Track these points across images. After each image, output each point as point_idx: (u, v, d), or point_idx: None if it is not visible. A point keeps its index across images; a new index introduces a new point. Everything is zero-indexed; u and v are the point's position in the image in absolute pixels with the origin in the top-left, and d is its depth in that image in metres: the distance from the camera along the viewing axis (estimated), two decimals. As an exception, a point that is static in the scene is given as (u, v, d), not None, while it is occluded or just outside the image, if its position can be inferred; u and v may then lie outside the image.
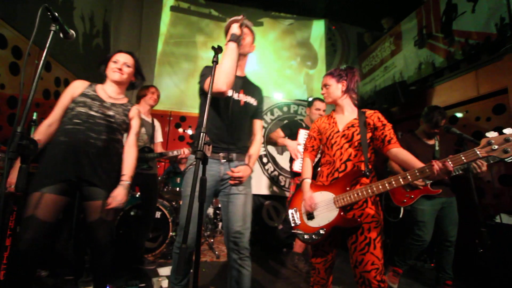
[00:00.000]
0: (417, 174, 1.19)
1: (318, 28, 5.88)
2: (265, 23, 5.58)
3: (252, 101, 1.58)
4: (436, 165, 1.14)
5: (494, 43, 2.84)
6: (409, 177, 1.21)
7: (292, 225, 1.57)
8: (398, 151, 1.36)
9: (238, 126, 1.51)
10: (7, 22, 2.22)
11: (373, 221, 1.35)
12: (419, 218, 2.27)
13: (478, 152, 1.09)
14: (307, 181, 1.55)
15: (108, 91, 1.59)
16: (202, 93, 1.49)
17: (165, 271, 2.26)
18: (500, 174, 2.71)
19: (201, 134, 0.95)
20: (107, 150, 1.49)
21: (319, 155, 1.69)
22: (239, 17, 1.39)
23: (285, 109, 4.03)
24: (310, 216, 1.49)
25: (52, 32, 1.06)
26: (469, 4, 3.17)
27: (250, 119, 1.60)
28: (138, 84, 1.75)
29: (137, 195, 2.71)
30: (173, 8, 5.12)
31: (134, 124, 1.65)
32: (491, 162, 1.88)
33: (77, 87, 1.53)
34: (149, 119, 2.51)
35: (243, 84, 1.57)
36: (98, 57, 3.97)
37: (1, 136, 2.15)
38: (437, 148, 2.33)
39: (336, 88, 1.56)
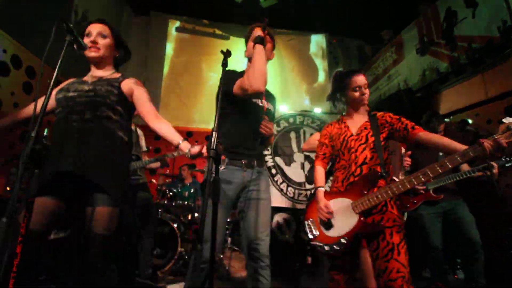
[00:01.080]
0: (459, 159, 1.13)
1: (319, 42, 6.01)
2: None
3: (271, 108, 1.59)
4: (486, 142, 1.08)
5: (498, 46, 2.85)
6: (448, 163, 1.14)
7: (310, 237, 1.50)
8: (430, 135, 1.30)
9: (260, 133, 1.46)
10: (21, 43, 2.30)
11: (395, 225, 1.28)
12: (421, 224, 2.26)
13: (501, 142, 1.06)
14: (321, 190, 1.50)
15: (93, 74, 1.35)
16: (226, 98, 1.35)
17: (175, 287, 2.17)
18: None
19: (213, 133, 0.94)
20: (93, 132, 1.20)
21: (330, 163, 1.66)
22: (263, 22, 1.38)
23: (291, 120, 4.04)
24: (328, 225, 1.42)
25: (66, 41, 1.07)
26: (469, 10, 3.22)
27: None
28: (122, 59, 1.45)
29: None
30: (178, 29, 5.31)
31: (139, 93, 1.33)
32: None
33: (63, 83, 1.33)
34: (132, 127, 2.43)
35: (264, 91, 1.55)
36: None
37: (12, 153, 2.17)
38: (441, 153, 2.26)
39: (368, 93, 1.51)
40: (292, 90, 5.63)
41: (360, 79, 1.45)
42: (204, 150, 1.22)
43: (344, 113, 1.62)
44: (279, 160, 3.79)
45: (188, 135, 4.85)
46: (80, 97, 1.23)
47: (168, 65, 5.14)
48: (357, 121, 1.51)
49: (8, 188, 1.55)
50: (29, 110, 1.34)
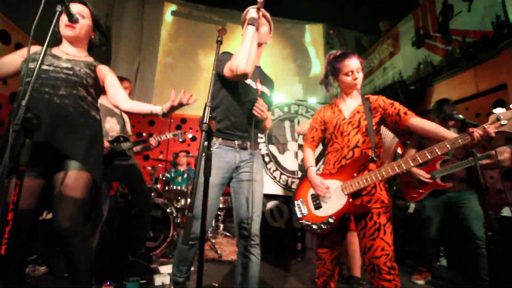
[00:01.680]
0: (448, 146, 1.14)
1: (316, 32, 5.97)
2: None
3: (267, 91, 1.57)
4: (476, 131, 1.10)
5: (491, 40, 2.89)
6: (437, 150, 1.16)
7: (299, 216, 1.54)
8: (421, 121, 1.30)
9: (254, 115, 1.47)
10: (11, 19, 2.23)
11: (382, 206, 1.33)
12: (422, 214, 2.31)
13: (486, 128, 1.09)
14: (313, 169, 1.53)
15: (64, 50, 1.33)
16: (219, 79, 1.42)
17: (167, 269, 2.20)
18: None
19: (206, 107, 0.94)
20: (68, 109, 1.21)
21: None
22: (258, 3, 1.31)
23: (285, 109, 4.04)
24: (317, 205, 1.47)
25: (57, 12, 1.05)
26: (465, 3, 3.24)
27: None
28: (98, 42, 1.45)
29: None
30: (174, 13, 5.19)
31: (112, 79, 1.38)
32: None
33: (25, 50, 1.27)
34: (117, 111, 2.38)
35: (260, 73, 1.57)
36: (99, 59, 3.99)
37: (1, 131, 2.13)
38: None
39: (362, 75, 1.48)
40: (288, 80, 5.62)
41: (353, 63, 1.44)
42: (176, 102, 1.27)
43: (337, 96, 1.63)
44: (273, 148, 3.82)
45: (182, 121, 4.83)
46: (56, 72, 1.23)
47: (163, 50, 5.05)
48: (350, 105, 1.53)
49: (17, 182, 1.52)
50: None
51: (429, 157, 1.17)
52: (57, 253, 2.09)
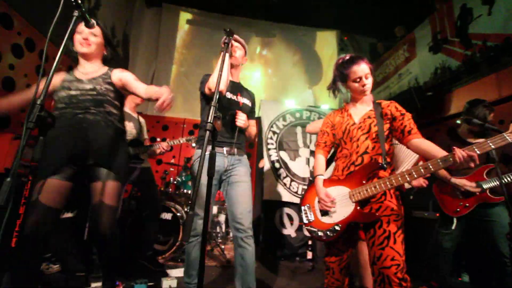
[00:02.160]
0: (439, 163, 1.13)
1: (330, 39, 5.94)
2: (278, 34, 5.71)
3: (248, 102, 1.83)
4: (458, 152, 1.07)
5: (515, 44, 2.76)
6: (431, 166, 1.15)
7: (305, 221, 1.51)
8: (420, 142, 1.27)
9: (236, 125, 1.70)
10: (36, 28, 2.37)
11: (392, 214, 1.27)
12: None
13: (507, 137, 1.03)
14: (320, 178, 1.49)
15: (83, 70, 1.49)
16: (203, 97, 1.76)
17: (175, 272, 2.21)
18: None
19: (211, 108, 0.96)
20: (98, 124, 1.39)
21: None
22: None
23: (297, 115, 4.01)
24: (324, 212, 1.43)
25: (74, 17, 1.11)
26: (485, 7, 3.12)
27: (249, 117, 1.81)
28: (110, 57, 1.60)
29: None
30: (189, 22, 5.35)
31: (124, 75, 1.48)
32: None
33: (56, 79, 1.46)
34: (135, 115, 2.49)
35: (239, 88, 1.84)
36: (118, 65, 4.17)
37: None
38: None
39: (372, 80, 1.44)
40: (300, 86, 5.60)
41: (361, 70, 1.39)
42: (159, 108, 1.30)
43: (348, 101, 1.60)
44: (283, 154, 3.78)
45: (194, 127, 4.90)
46: (83, 95, 1.41)
47: (178, 58, 5.19)
48: (361, 110, 1.49)
49: (29, 177, 1.61)
50: (25, 95, 1.43)
51: (442, 165, 1.11)
52: (70, 251, 2.16)
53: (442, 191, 2.19)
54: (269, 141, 3.78)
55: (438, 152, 1.17)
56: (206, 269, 2.56)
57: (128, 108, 2.43)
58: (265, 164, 3.68)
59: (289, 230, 3.49)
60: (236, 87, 1.80)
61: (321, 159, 1.56)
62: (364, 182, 1.32)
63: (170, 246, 2.77)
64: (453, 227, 2.06)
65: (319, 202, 1.43)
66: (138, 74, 4.80)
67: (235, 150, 1.70)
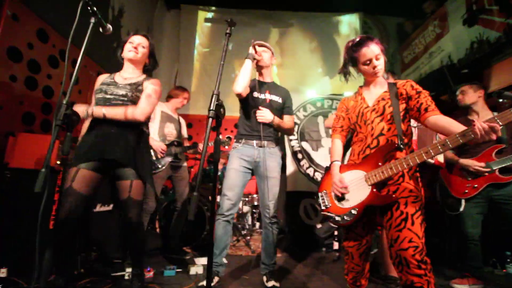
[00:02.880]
0: (458, 138, 1.04)
1: (351, 23, 5.68)
2: (295, 24, 5.59)
3: (277, 98, 2.00)
4: (478, 124, 0.98)
5: None
6: (449, 143, 1.07)
7: (323, 207, 1.49)
8: (438, 118, 1.19)
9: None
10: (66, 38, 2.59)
11: (411, 195, 1.21)
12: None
13: (495, 126, 0.93)
14: (336, 164, 1.47)
15: (125, 74, 1.66)
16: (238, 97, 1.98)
17: (202, 260, 2.32)
18: None
19: (213, 96, 1.00)
20: (126, 129, 1.54)
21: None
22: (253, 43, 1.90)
23: (318, 104, 3.92)
24: (341, 197, 1.40)
25: (91, 24, 1.21)
26: (529, -33, 2.76)
27: (279, 114, 1.99)
28: (151, 67, 1.78)
29: (170, 191, 2.88)
30: (207, 20, 5.46)
31: (146, 87, 1.62)
32: None
33: (99, 80, 1.66)
34: (175, 116, 2.64)
35: (269, 87, 2.02)
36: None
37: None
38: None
39: (383, 61, 1.37)
40: (321, 74, 5.45)
41: (370, 52, 1.32)
42: None
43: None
44: (305, 145, 3.73)
45: (217, 123, 5.03)
46: (116, 100, 1.56)
47: (198, 57, 5.34)
48: (375, 92, 1.43)
49: (58, 162, 1.79)
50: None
51: (461, 141, 1.03)
52: (108, 241, 2.36)
53: (450, 173, 2.15)
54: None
55: (457, 127, 1.08)
56: (232, 258, 2.66)
57: (170, 110, 2.61)
58: (287, 155, 3.66)
59: (314, 221, 3.46)
60: (265, 86, 1.99)
61: (338, 143, 1.53)
62: (380, 164, 1.27)
63: (197, 237, 2.90)
64: (461, 209, 2.02)
65: (332, 186, 1.41)
66: (162, 76, 5.05)
67: (265, 142, 1.92)
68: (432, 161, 1.83)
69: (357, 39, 1.41)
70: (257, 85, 1.97)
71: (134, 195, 1.54)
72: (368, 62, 1.35)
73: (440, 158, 1.89)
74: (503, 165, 1.88)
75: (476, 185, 1.98)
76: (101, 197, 2.22)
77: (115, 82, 1.61)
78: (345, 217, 1.34)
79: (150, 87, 1.64)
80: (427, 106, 1.24)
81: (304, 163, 3.62)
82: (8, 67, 2.06)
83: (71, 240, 1.45)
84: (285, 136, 3.74)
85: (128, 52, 1.63)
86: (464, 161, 2.04)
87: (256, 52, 1.88)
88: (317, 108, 3.91)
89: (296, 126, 3.80)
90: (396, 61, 5.32)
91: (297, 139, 3.74)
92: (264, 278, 1.90)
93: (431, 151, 1.11)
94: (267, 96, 1.96)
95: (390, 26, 5.77)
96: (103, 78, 1.66)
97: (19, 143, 1.86)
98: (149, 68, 1.77)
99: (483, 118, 2.03)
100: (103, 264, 2.13)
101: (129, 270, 1.97)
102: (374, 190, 1.26)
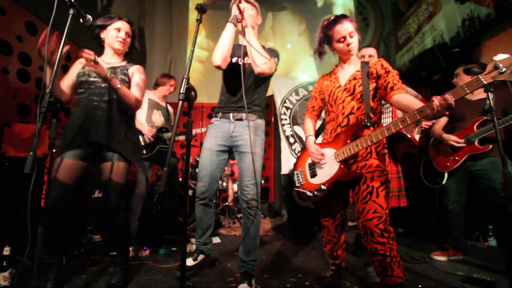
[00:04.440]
0: (416, 114, 1.11)
1: (346, 5, 5.58)
2: (288, 6, 5.51)
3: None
4: (436, 100, 1.05)
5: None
6: (408, 119, 1.13)
7: (297, 184, 1.58)
8: (401, 97, 1.25)
9: (247, 89, 1.64)
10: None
11: (377, 170, 1.29)
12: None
13: (482, 79, 0.98)
14: (311, 138, 1.55)
15: (105, 59, 1.63)
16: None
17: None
18: None
19: (183, 80, 1.06)
20: (111, 111, 1.52)
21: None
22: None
23: (310, 88, 3.95)
24: (313, 174, 1.49)
25: (70, 15, 1.26)
26: None
27: (261, 77, 1.65)
28: (129, 50, 1.75)
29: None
30: (198, 6, 5.39)
31: (135, 76, 1.62)
32: None
33: (80, 63, 1.60)
34: (163, 104, 2.68)
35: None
36: (136, 59, 4.44)
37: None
38: (488, 102, 2.03)
39: (357, 39, 1.40)
40: (314, 58, 5.42)
41: (344, 29, 1.36)
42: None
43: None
44: (298, 129, 3.80)
45: (213, 109, 5.08)
46: (100, 83, 1.54)
47: (191, 43, 5.32)
48: (348, 71, 1.48)
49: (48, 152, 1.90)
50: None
51: (418, 116, 1.09)
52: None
53: (436, 149, 2.24)
54: (283, 116, 3.81)
55: (417, 104, 1.14)
56: (227, 238, 2.80)
57: (157, 97, 2.65)
58: (281, 139, 3.74)
59: (308, 202, 3.58)
60: (242, 50, 1.62)
61: (309, 121, 1.61)
62: (348, 141, 1.35)
63: (193, 220, 3.04)
64: (444, 182, 2.11)
65: (310, 157, 1.49)
66: (156, 65, 5.06)
67: (243, 115, 1.62)
68: (408, 134, 1.89)
69: (332, 17, 1.44)
70: (236, 49, 1.69)
71: (115, 177, 1.50)
72: (342, 39, 1.39)
73: (416, 135, 1.96)
74: (480, 136, 1.95)
75: (456, 158, 2.06)
76: (99, 185, 2.34)
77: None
78: (316, 193, 1.43)
79: (137, 75, 1.65)
80: (393, 85, 1.29)
81: (296, 147, 3.70)
82: (-1, 61, 2.13)
83: (62, 225, 1.46)
84: (278, 121, 3.81)
85: (115, 41, 1.60)
86: (444, 136, 2.11)
87: (240, 12, 1.53)
88: (309, 92, 3.94)
89: (289, 111, 3.86)
90: (390, 41, 5.26)
91: (289, 124, 3.80)
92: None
93: (392, 128, 1.18)
94: (246, 60, 1.65)
95: (386, 6, 5.66)
96: (83, 62, 1.61)
97: (14, 133, 1.96)
98: (128, 51, 1.74)
99: (478, 95, 2.10)
100: (103, 246, 2.27)
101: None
102: (342, 166, 1.34)
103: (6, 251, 1.49)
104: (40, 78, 2.53)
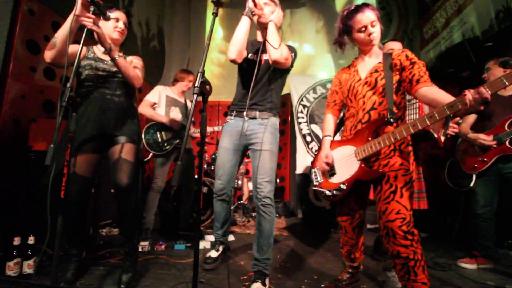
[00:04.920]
0: (446, 109, 1.02)
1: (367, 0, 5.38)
2: (307, 3, 5.41)
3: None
4: (469, 93, 0.95)
5: None
6: (436, 115, 1.05)
7: (315, 183, 1.53)
8: (428, 90, 1.15)
9: (261, 86, 1.65)
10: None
11: (401, 169, 1.21)
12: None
13: (484, 93, 0.89)
14: (327, 139, 1.49)
15: (104, 50, 1.53)
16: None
17: (211, 237, 2.46)
18: None
19: (198, 73, 1.05)
20: (122, 104, 1.55)
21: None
22: None
23: (328, 85, 3.84)
24: (332, 173, 1.43)
25: (91, 11, 1.30)
26: None
27: (278, 75, 1.67)
28: (125, 43, 1.73)
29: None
30: (216, 4, 5.42)
31: (132, 63, 1.62)
32: None
33: (86, 50, 1.57)
34: (181, 100, 2.68)
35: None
36: (156, 58, 4.53)
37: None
38: None
39: (380, 28, 1.32)
40: (334, 56, 5.28)
41: (365, 18, 1.28)
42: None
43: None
44: (315, 127, 3.71)
45: (229, 108, 5.10)
46: (109, 77, 1.55)
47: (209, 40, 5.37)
48: (369, 64, 1.39)
49: (68, 145, 1.97)
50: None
51: (448, 112, 1.00)
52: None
53: (463, 149, 2.11)
54: (299, 114, 3.74)
55: (447, 98, 1.05)
56: (242, 236, 2.78)
57: (176, 93, 2.67)
58: (297, 138, 3.67)
59: (324, 203, 3.48)
60: (259, 47, 1.65)
61: (330, 118, 1.54)
62: (370, 139, 1.27)
63: (208, 217, 3.05)
64: (471, 185, 1.98)
65: (318, 161, 1.46)
66: (175, 64, 5.14)
67: (257, 113, 1.64)
68: (435, 134, 1.78)
69: (352, 7, 1.37)
70: (251, 45, 1.69)
71: (125, 155, 1.50)
72: (363, 29, 1.31)
73: (442, 137, 1.84)
74: None
75: (485, 159, 1.92)
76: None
77: (100, 58, 1.57)
78: (335, 192, 1.37)
79: (135, 61, 1.66)
80: (420, 77, 1.20)
81: (313, 145, 3.62)
82: (28, 59, 2.23)
83: (82, 217, 1.53)
84: (295, 119, 3.74)
85: (113, 31, 1.56)
86: (471, 135, 1.98)
87: (255, 5, 1.51)
88: (327, 90, 3.84)
89: (306, 109, 3.78)
90: (415, 37, 5.01)
91: (306, 122, 3.72)
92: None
93: (418, 124, 1.10)
94: (263, 57, 1.64)
95: (410, 0, 5.40)
96: (83, 52, 1.57)
97: (40, 128, 2.05)
98: (123, 42, 1.70)
99: (510, 90, 1.95)
100: (122, 238, 2.33)
101: (143, 243, 2.15)
102: (363, 165, 1.28)
103: (31, 240, 1.55)
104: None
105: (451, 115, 1.02)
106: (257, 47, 1.67)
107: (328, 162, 1.38)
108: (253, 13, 1.52)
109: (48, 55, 1.39)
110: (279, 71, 1.67)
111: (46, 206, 1.06)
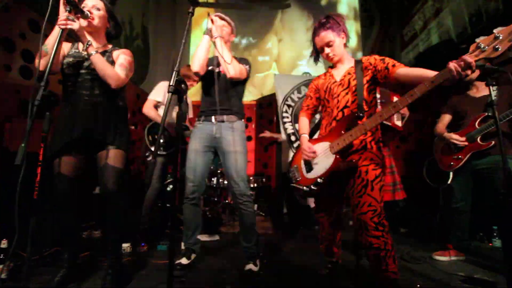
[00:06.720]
0: (427, 86, 1.03)
1: (350, 2, 5.52)
2: (293, 4, 5.48)
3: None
4: (452, 62, 0.98)
5: None
6: (417, 92, 1.06)
7: (294, 181, 1.56)
8: (409, 69, 1.20)
9: (224, 93, 1.79)
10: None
11: (371, 163, 1.27)
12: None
13: (467, 58, 0.96)
14: (305, 136, 1.55)
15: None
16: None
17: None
18: None
19: (174, 72, 1.06)
20: (102, 105, 1.47)
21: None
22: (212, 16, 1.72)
23: (312, 86, 3.93)
24: (309, 168, 1.47)
25: (66, 12, 1.27)
26: None
27: (233, 85, 1.81)
28: (114, 32, 1.62)
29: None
30: (202, 4, 5.41)
31: (119, 58, 1.52)
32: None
33: (62, 49, 1.47)
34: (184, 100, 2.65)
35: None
36: (140, 57, 4.47)
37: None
38: (494, 97, 1.97)
39: (340, 42, 1.42)
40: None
41: (320, 41, 1.42)
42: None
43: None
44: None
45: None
46: (88, 75, 1.46)
47: (194, 42, 5.35)
48: (342, 69, 1.47)
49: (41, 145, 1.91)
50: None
51: (409, 100, 1.06)
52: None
53: (440, 149, 2.20)
54: (284, 114, 3.79)
55: (432, 73, 1.06)
56: (224, 235, 2.79)
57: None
58: (282, 137, 3.72)
59: (309, 201, 3.54)
60: (218, 61, 1.81)
61: (304, 120, 1.60)
62: (342, 133, 1.32)
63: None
64: (449, 182, 2.07)
65: (302, 154, 1.49)
66: (161, 64, 5.07)
67: (224, 117, 1.76)
68: (388, 123, 1.86)
69: (316, 25, 1.47)
70: (214, 59, 1.84)
71: (111, 162, 1.46)
72: (320, 49, 1.44)
73: (397, 122, 1.93)
74: (482, 133, 1.91)
75: (460, 156, 2.02)
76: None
77: (81, 54, 1.48)
78: (312, 187, 1.41)
79: (122, 57, 1.54)
80: (394, 63, 1.27)
81: (298, 144, 3.67)
82: (1, 57, 2.16)
83: (71, 220, 1.48)
84: (280, 119, 3.78)
85: (82, 19, 1.39)
86: (445, 135, 2.08)
87: (213, 23, 1.70)
88: (311, 90, 3.91)
89: (290, 109, 3.83)
90: (396, 39, 5.17)
91: (291, 122, 3.77)
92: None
93: (384, 113, 1.15)
94: (220, 68, 1.81)
95: (391, 3, 5.57)
96: (66, 48, 1.50)
97: (16, 129, 2.00)
98: (113, 34, 1.61)
99: (482, 92, 2.05)
100: (105, 241, 2.28)
101: (125, 244, 2.12)
102: (338, 156, 1.32)
103: (4, 244, 1.51)
104: (43, 75, 2.56)
105: (432, 88, 1.02)
106: (217, 60, 1.83)
107: (313, 151, 1.42)
108: (211, 34, 1.70)
109: (42, 63, 1.30)
110: (239, 81, 1.81)
111: (21, 208, 1.04)
